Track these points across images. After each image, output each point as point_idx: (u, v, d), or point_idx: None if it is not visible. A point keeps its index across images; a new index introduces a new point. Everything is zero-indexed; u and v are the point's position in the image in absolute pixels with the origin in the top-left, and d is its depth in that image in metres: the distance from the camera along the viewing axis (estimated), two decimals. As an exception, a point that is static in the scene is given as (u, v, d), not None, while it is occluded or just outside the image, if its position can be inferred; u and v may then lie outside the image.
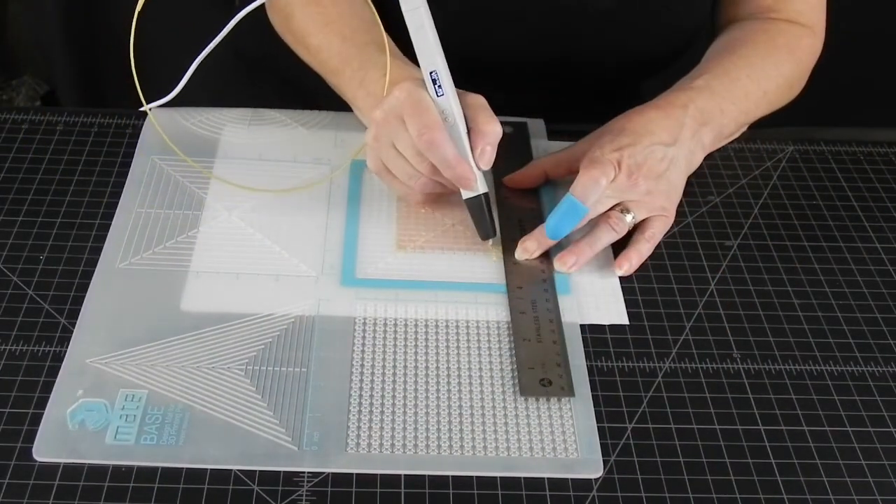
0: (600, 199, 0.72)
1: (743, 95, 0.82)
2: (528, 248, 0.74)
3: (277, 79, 0.90)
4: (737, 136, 0.87)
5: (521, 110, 0.86)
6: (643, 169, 0.73)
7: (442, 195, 0.76)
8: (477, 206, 0.73)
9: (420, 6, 0.68)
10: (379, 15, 0.75)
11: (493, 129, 0.70)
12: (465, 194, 0.73)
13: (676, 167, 0.75)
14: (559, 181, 0.80)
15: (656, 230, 0.75)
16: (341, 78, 0.80)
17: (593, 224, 0.74)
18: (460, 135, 0.70)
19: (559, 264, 0.73)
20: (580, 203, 0.71)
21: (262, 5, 0.74)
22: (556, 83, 0.93)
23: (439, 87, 0.69)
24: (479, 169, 0.71)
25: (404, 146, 0.71)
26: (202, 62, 0.76)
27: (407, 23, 0.69)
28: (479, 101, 0.72)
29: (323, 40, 0.81)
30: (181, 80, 0.75)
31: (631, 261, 0.74)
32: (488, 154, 0.71)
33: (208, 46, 0.74)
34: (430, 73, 0.69)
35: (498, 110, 0.72)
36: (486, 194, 0.73)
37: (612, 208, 0.74)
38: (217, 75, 0.99)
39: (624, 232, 0.74)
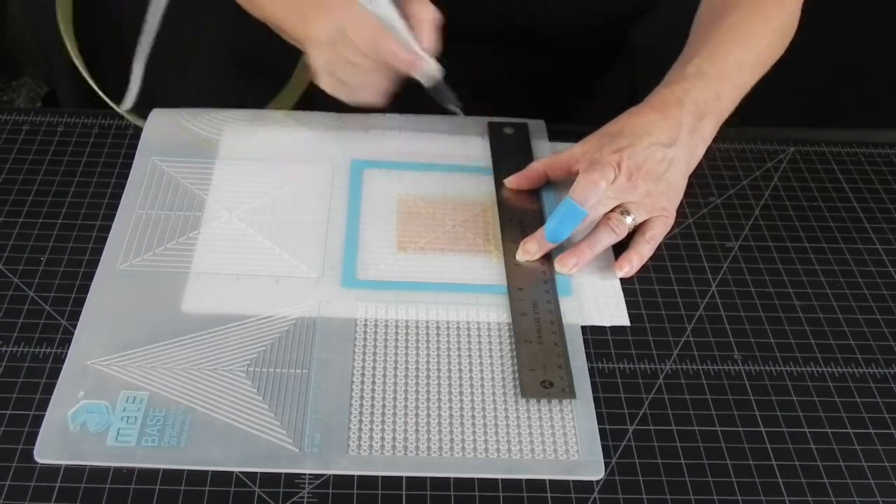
0: (600, 201, 0.72)
1: (736, 68, 0.80)
2: (529, 250, 0.74)
3: (275, 80, 0.89)
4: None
5: (509, 82, 0.86)
6: (643, 170, 0.73)
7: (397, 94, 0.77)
8: (438, 88, 0.76)
9: None
10: None
11: (424, 12, 0.73)
12: (425, 83, 0.76)
13: (676, 168, 0.75)
14: (560, 182, 0.80)
15: (657, 231, 0.75)
16: (285, 20, 0.79)
17: (593, 226, 0.74)
18: (401, 31, 0.73)
19: (560, 266, 0.73)
20: (579, 206, 0.71)
21: None
22: (535, 49, 0.92)
23: None
24: (426, 49, 0.74)
25: (353, 54, 0.73)
26: (200, 65, 0.76)
27: None
28: None
29: None
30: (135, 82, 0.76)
31: (632, 262, 0.74)
32: (427, 32, 0.73)
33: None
34: None
35: (483, 84, 0.76)
36: (440, 72, 0.75)
37: (612, 210, 0.74)
38: (214, 78, 0.99)
39: (624, 234, 0.74)
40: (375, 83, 0.75)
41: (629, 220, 0.74)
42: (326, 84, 0.76)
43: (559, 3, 0.88)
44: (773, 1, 0.84)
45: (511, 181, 0.80)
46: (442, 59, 0.75)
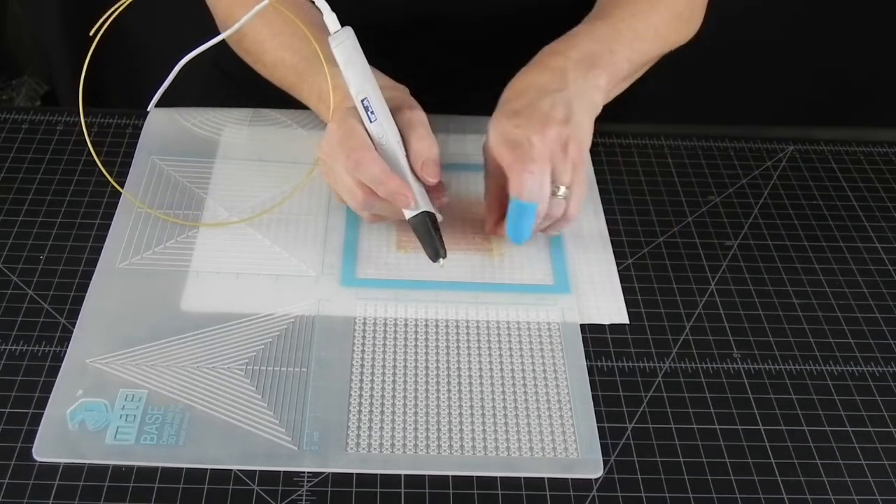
0: (542, 184, 0.70)
1: (633, 36, 0.78)
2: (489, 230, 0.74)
3: (261, 87, 0.89)
4: (638, 76, 0.83)
5: (487, 78, 0.84)
6: (544, 120, 0.70)
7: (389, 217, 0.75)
8: (421, 225, 0.70)
9: (346, 40, 0.68)
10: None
11: (424, 146, 0.70)
12: (407, 214, 0.70)
13: (578, 107, 0.72)
14: None
15: (577, 199, 0.72)
16: (301, 92, 0.80)
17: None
18: (397, 156, 0.70)
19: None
20: (526, 203, 0.69)
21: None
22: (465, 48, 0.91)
23: (371, 112, 0.69)
24: (427, 183, 0.70)
25: (340, 171, 0.70)
26: (192, 70, 0.76)
27: (335, 57, 0.69)
28: (415, 117, 0.71)
29: (276, 56, 0.81)
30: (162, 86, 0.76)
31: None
32: (430, 167, 0.70)
33: (181, 60, 0.75)
34: (362, 100, 0.69)
35: (425, 85, 0.72)
36: (428, 213, 0.70)
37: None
38: (207, 84, 0.99)
39: (563, 208, 0.72)
40: (357, 202, 0.71)
41: (562, 192, 0.71)
42: (322, 164, 0.74)
43: None
44: None
45: (492, 231, 0.76)
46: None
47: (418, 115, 0.71)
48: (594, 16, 0.81)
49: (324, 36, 0.70)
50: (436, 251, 0.71)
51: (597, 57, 0.76)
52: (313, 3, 0.69)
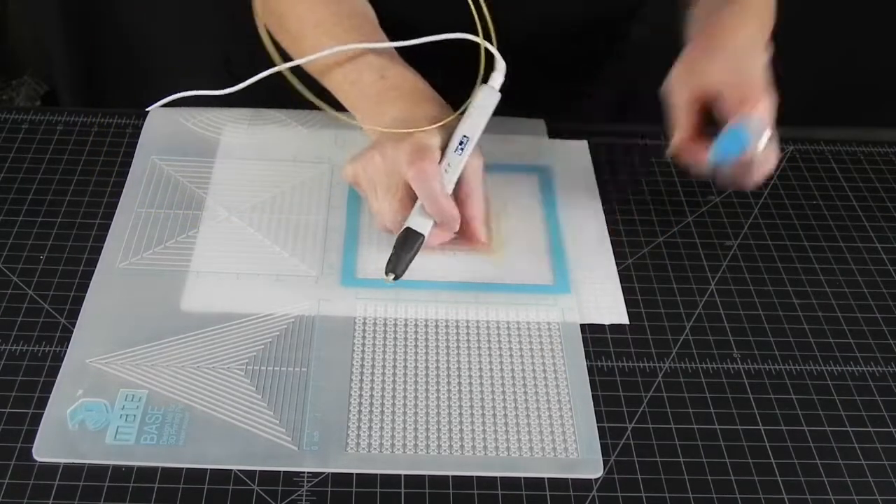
0: (769, 120, 0.70)
1: (768, 16, 0.79)
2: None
3: (269, 87, 0.89)
4: None
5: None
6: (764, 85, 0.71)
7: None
8: (409, 243, 0.70)
9: (496, 99, 0.72)
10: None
11: (476, 211, 0.71)
12: (410, 223, 0.70)
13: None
14: None
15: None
16: (332, 78, 0.80)
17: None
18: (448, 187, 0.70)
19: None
20: (748, 133, 0.69)
21: (251, 5, 0.73)
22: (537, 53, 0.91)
23: (462, 148, 0.70)
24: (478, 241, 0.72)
25: (393, 169, 0.70)
26: (195, 69, 0.76)
27: (479, 96, 0.72)
28: (477, 168, 0.72)
29: (316, 42, 0.81)
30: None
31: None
32: (479, 230, 0.72)
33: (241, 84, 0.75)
34: (464, 136, 0.70)
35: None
36: (423, 237, 0.70)
37: None
38: (210, 82, 0.99)
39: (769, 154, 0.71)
40: (386, 207, 0.71)
41: (765, 136, 0.71)
42: (348, 172, 0.73)
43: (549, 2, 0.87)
44: None
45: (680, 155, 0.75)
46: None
47: (478, 166, 0.72)
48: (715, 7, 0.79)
49: (366, 25, 0.70)
50: (395, 269, 0.70)
51: (764, 32, 0.76)
52: (492, 54, 0.72)
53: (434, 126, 0.70)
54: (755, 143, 0.69)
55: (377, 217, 0.73)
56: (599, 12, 0.90)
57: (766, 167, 0.71)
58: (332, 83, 0.79)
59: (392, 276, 0.69)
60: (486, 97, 0.73)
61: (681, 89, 0.74)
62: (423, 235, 0.70)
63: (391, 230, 0.72)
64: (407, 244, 0.69)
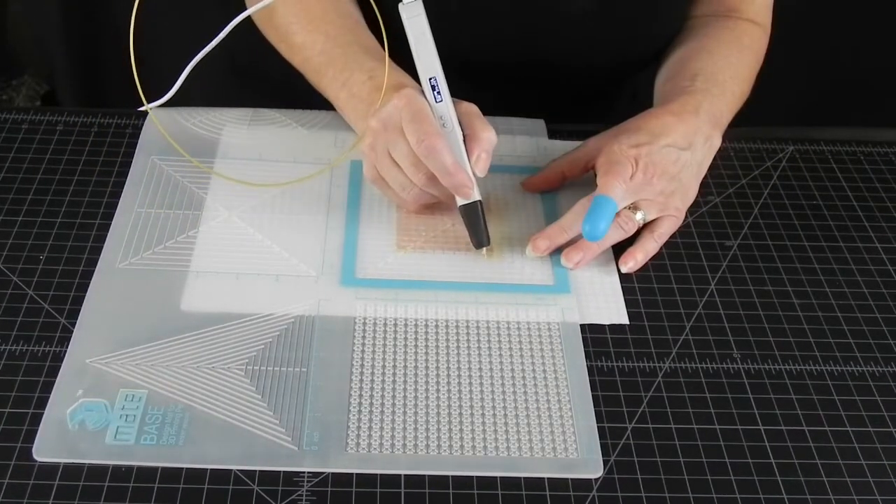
0: (625, 197, 0.72)
1: (731, 97, 0.81)
2: (539, 246, 0.74)
3: (273, 82, 0.89)
4: None
5: (503, 111, 0.86)
6: (658, 168, 0.73)
7: (436, 205, 0.76)
8: (473, 214, 0.73)
9: (421, 13, 0.68)
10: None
11: (488, 136, 0.71)
12: (460, 202, 0.72)
13: (689, 171, 0.75)
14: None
15: (665, 230, 0.75)
16: (323, 78, 0.80)
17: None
18: (457, 140, 0.70)
19: (565, 261, 0.73)
20: (612, 200, 0.71)
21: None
22: (538, 84, 0.92)
23: (438, 93, 0.70)
24: (475, 175, 0.71)
25: (401, 156, 0.70)
26: (198, 65, 0.76)
27: (407, 30, 0.69)
28: (472, 108, 0.72)
29: (307, 38, 0.81)
30: (178, 80, 0.75)
31: (636, 258, 0.74)
32: (483, 161, 0.71)
33: (206, 47, 0.74)
34: (430, 79, 0.69)
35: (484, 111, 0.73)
36: (480, 202, 0.72)
37: (623, 207, 0.74)
38: (213, 78, 0.99)
39: (632, 231, 0.74)
40: (408, 192, 0.73)
41: (639, 216, 0.74)
42: (366, 168, 0.74)
43: (573, 42, 0.88)
44: (750, 51, 0.86)
45: (529, 184, 0.80)
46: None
47: (473, 107, 0.72)
48: (697, 65, 0.82)
49: (358, 28, 0.70)
50: (481, 240, 0.73)
51: (718, 118, 0.79)
52: None
53: (398, 92, 0.70)
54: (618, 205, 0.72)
55: (408, 202, 0.75)
56: (629, 55, 0.91)
57: (605, 244, 0.75)
58: (323, 83, 0.80)
59: (485, 249, 0.74)
60: (411, 18, 0.69)
61: (584, 150, 0.78)
62: (478, 200, 0.72)
63: (429, 209, 0.76)
64: (472, 217, 0.73)
